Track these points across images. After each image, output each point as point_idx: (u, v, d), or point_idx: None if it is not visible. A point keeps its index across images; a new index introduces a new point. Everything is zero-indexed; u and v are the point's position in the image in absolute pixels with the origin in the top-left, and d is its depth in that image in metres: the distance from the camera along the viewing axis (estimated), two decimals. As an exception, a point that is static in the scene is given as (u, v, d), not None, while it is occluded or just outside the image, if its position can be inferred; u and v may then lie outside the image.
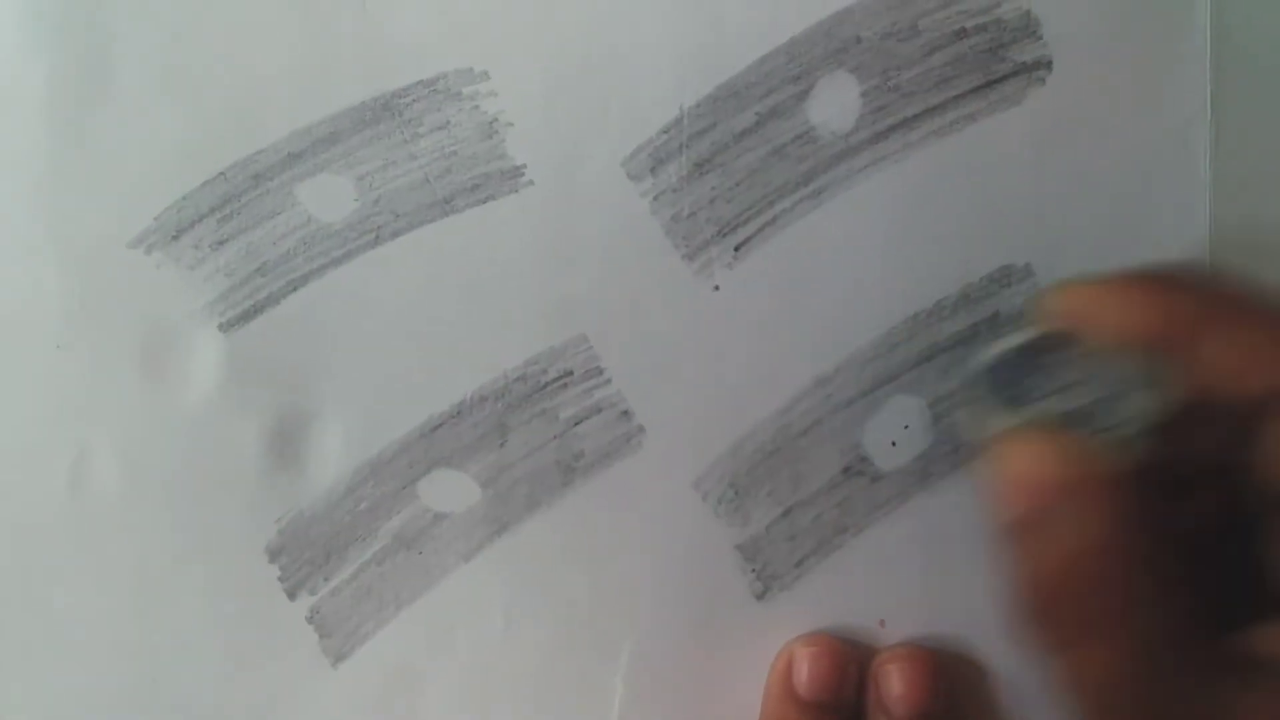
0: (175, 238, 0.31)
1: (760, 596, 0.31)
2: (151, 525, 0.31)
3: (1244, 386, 0.20)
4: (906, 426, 0.32)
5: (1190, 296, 0.21)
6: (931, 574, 0.32)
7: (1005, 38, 0.31)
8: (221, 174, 0.31)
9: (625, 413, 0.31)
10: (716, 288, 0.31)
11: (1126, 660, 0.19)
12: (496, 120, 0.31)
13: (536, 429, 0.31)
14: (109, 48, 0.30)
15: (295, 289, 0.31)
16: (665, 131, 0.31)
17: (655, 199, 0.31)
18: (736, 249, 0.31)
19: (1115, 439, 0.22)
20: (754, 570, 0.31)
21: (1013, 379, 0.23)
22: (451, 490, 0.31)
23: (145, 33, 0.30)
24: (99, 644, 0.31)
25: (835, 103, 0.31)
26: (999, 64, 0.31)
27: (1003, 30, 0.31)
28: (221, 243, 0.31)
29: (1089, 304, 0.22)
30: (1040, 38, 0.31)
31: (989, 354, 0.23)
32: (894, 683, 0.30)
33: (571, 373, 0.31)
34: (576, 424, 0.31)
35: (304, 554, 0.31)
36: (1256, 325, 0.20)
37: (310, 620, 0.31)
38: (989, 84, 0.31)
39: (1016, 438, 0.22)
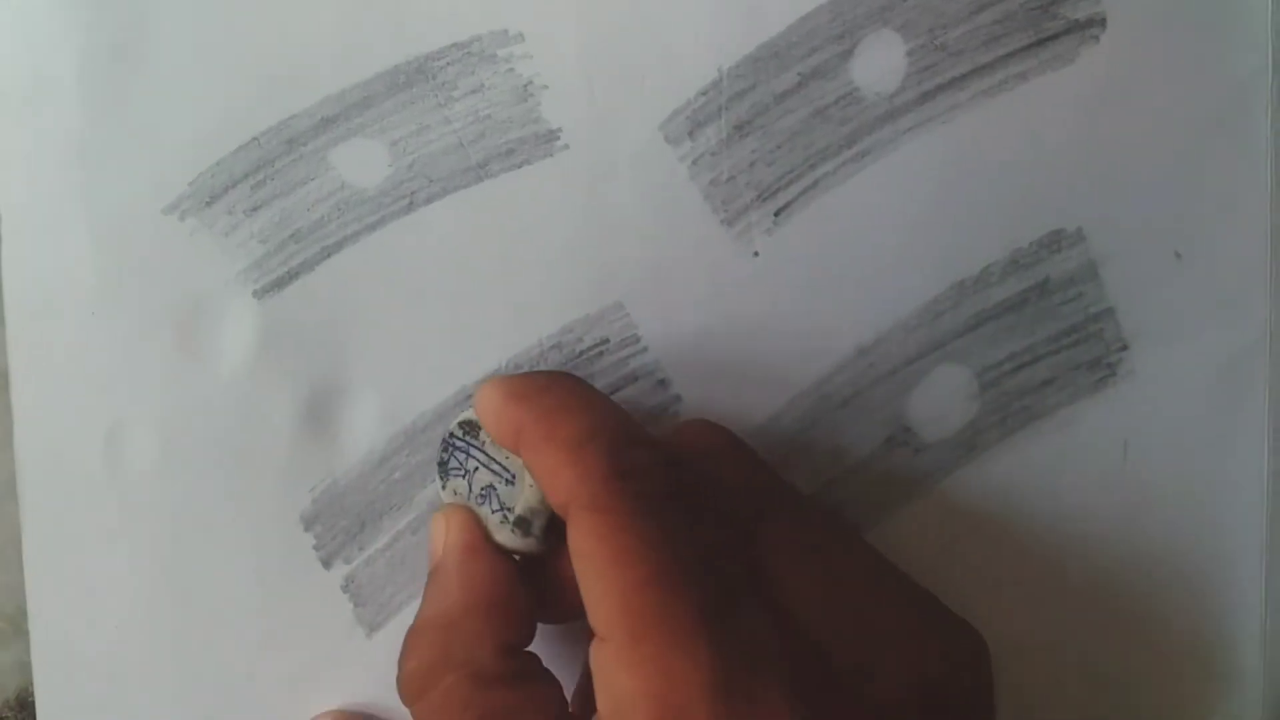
0: (209, 204, 0.30)
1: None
2: (186, 494, 0.31)
3: (552, 496, 0.24)
4: (952, 397, 0.31)
5: (525, 412, 0.25)
6: (975, 549, 0.31)
7: (1057, -7, 0.30)
8: (255, 139, 0.30)
9: (662, 381, 0.31)
10: (756, 254, 0.31)
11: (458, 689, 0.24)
12: (531, 83, 0.30)
13: (572, 398, 0.31)
14: (144, 13, 0.30)
15: (329, 255, 0.31)
16: (704, 94, 0.30)
17: (694, 163, 0.30)
18: (776, 214, 0.31)
19: (504, 517, 0.27)
20: (794, 543, 0.31)
21: (454, 450, 0.27)
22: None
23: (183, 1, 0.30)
24: (134, 614, 0.31)
25: (880, 62, 0.30)
26: (1051, 21, 0.30)
27: (1055, -14, 0.30)
28: (255, 209, 0.31)
29: (478, 403, 0.26)
30: (1094, -7, 0.30)
31: (450, 424, 0.28)
32: None
33: (608, 340, 0.31)
34: (613, 393, 0.31)
35: (339, 522, 0.31)
36: (558, 445, 0.24)
37: (345, 589, 0.31)
38: (1040, 42, 0.30)
39: (445, 504, 0.28)
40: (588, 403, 0.26)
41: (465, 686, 0.24)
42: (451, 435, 0.28)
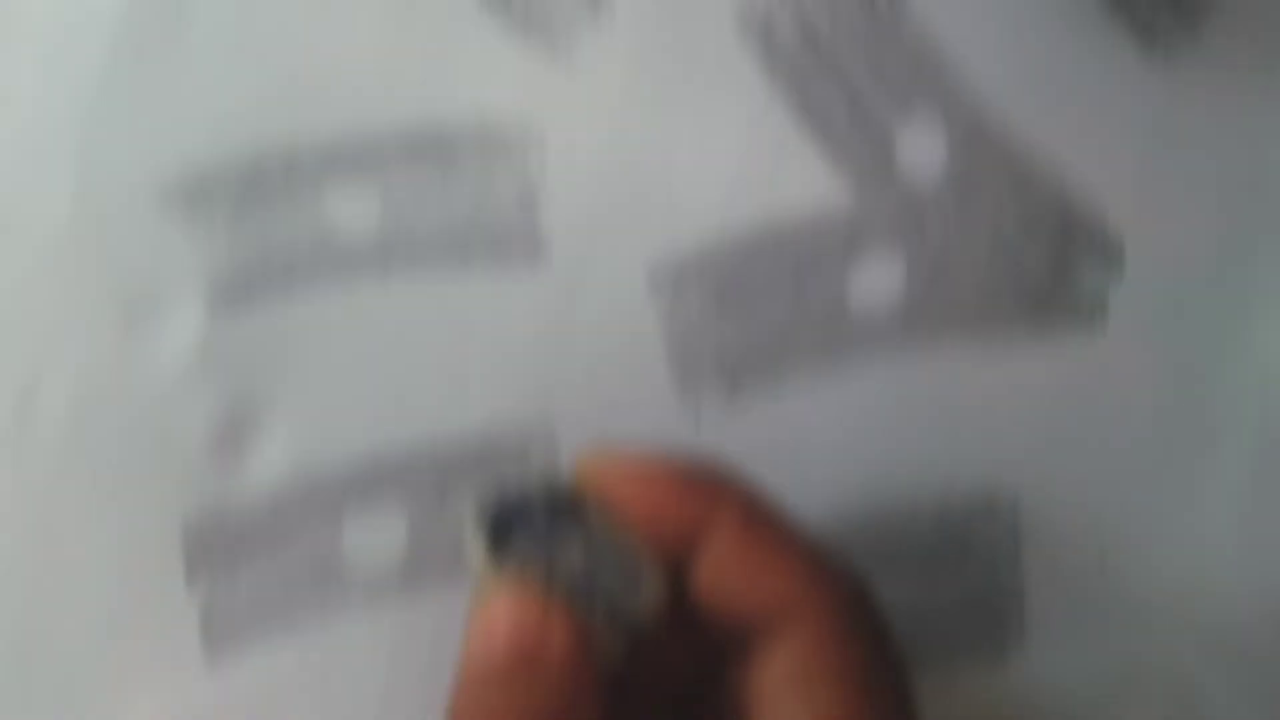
0: (194, 202, 0.30)
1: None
2: (78, 469, 0.31)
3: (761, 599, 0.20)
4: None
5: (703, 499, 0.21)
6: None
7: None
8: (259, 152, 0.30)
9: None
10: (698, 425, 0.31)
11: None
12: (538, 189, 0.30)
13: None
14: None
15: (290, 288, 0.30)
16: (699, 253, 0.30)
17: (668, 318, 0.30)
18: (730, 392, 0.30)
19: (608, 619, 0.21)
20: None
21: (515, 527, 0.21)
22: (379, 532, 0.31)
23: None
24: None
25: (879, 281, 0.30)
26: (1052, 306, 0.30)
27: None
28: (238, 221, 0.30)
29: (615, 479, 0.21)
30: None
31: (500, 495, 0.22)
32: None
33: (527, 454, 0.31)
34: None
35: (217, 543, 0.31)
36: (784, 545, 0.20)
37: (203, 613, 0.31)
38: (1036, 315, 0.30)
39: (506, 584, 0.21)
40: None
41: None
42: (534, 506, 0.22)
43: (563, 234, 0.30)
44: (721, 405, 0.30)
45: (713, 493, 0.21)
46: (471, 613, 0.21)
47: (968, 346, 0.30)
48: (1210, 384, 0.30)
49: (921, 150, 0.30)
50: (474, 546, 0.22)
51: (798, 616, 0.20)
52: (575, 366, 0.30)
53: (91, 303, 0.31)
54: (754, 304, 0.30)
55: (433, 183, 0.30)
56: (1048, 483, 0.30)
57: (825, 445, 0.30)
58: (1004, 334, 0.30)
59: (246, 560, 0.31)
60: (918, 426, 0.30)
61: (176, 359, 0.30)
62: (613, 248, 0.30)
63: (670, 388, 0.30)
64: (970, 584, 0.31)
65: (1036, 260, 0.30)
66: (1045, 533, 0.31)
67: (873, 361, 0.30)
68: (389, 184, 0.30)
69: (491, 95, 0.30)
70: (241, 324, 0.30)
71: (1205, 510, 0.31)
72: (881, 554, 0.30)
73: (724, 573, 0.21)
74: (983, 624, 0.31)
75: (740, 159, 0.30)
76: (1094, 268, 0.30)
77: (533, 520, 0.21)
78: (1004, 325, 0.30)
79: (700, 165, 0.30)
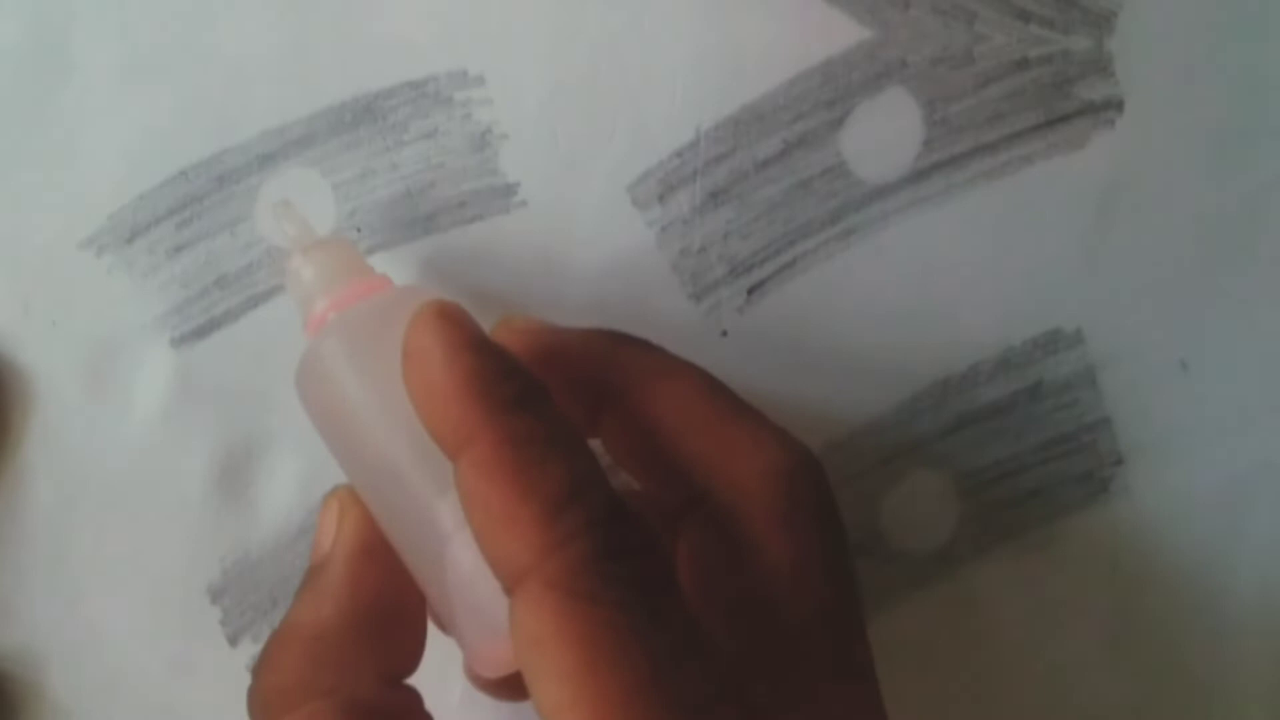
0: (129, 240, 0.28)
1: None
2: (84, 555, 0.28)
3: (498, 554, 0.19)
4: (927, 504, 0.28)
5: (486, 421, 0.19)
6: (945, 669, 0.29)
7: (1072, 72, 0.28)
8: (183, 173, 0.28)
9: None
10: (724, 333, 0.28)
11: None
12: (490, 131, 0.28)
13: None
14: (68, 27, 0.27)
15: (256, 305, 0.28)
16: (678, 155, 0.28)
17: (662, 230, 0.28)
18: (750, 292, 0.28)
19: None
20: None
21: None
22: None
23: (108, 12, 0.27)
24: (18, 680, 0.28)
25: (873, 134, 0.28)
26: (1063, 101, 0.28)
27: (1070, 64, 0.27)
28: (179, 249, 0.28)
29: (408, 345, 0.20)
30: (1112, 75, 0.28)
31: None
32: None
33: (557, 417, 0.28)
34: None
35: (249, 597, 0.28)
36: (529, 495, 0.19)
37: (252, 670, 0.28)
38: (1050, 123, 0.28)
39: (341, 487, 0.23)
40: (577, 440, 0.20)
41: (330, 718, 0.20)
42: None
43: (529, 172, 0.28)
44: (742, 306, 0.28)
45: (488, 403, 0.20)
46: None
47: (986, 178, 0.28)
48: (1247, 138, 0.28)
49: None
50: None
51: (529, 580, 0.18)
52: (583, 306, 0.28)
53: (49, 375, 0.28)
54: (747, 189, 0.28)
55: (375, 155, 0.28)
56: (1108, 301, 0.28)
57: (863, 319, 0.28)
58: (1021, 153, 0.28)
59: (286, 603, 0.28)
60: (952, 275, 0.28)
61: (154, 409, 0.28)
62: (586, 172, 0.28)
63: (685, 302, 0.28)
64: (1054, 423, 0.28)
65: (1036, 77, 0.28)
66: (1118, 353, 0.28)
67: (888, 216, 0.28)
68: (329, 168, 0.28)
69: (415, 44, 0.27)
70: (212, 355, 0.28)
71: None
72: (952, 423, 0.28)
73: (691, 421, 0.22)
74: (1078, 460, 0.28)
75: (698, 43, 0.27)
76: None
77: None
78: (1019, 144, 0.28)
79: (658, 62, 0.27)
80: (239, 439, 0.28)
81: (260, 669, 0.22)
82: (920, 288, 0.28)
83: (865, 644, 0.22)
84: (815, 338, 0.28)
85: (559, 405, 0.20)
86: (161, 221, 0.28)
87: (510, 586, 0.19)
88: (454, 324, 0.20)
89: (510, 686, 0.24)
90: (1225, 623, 0.29)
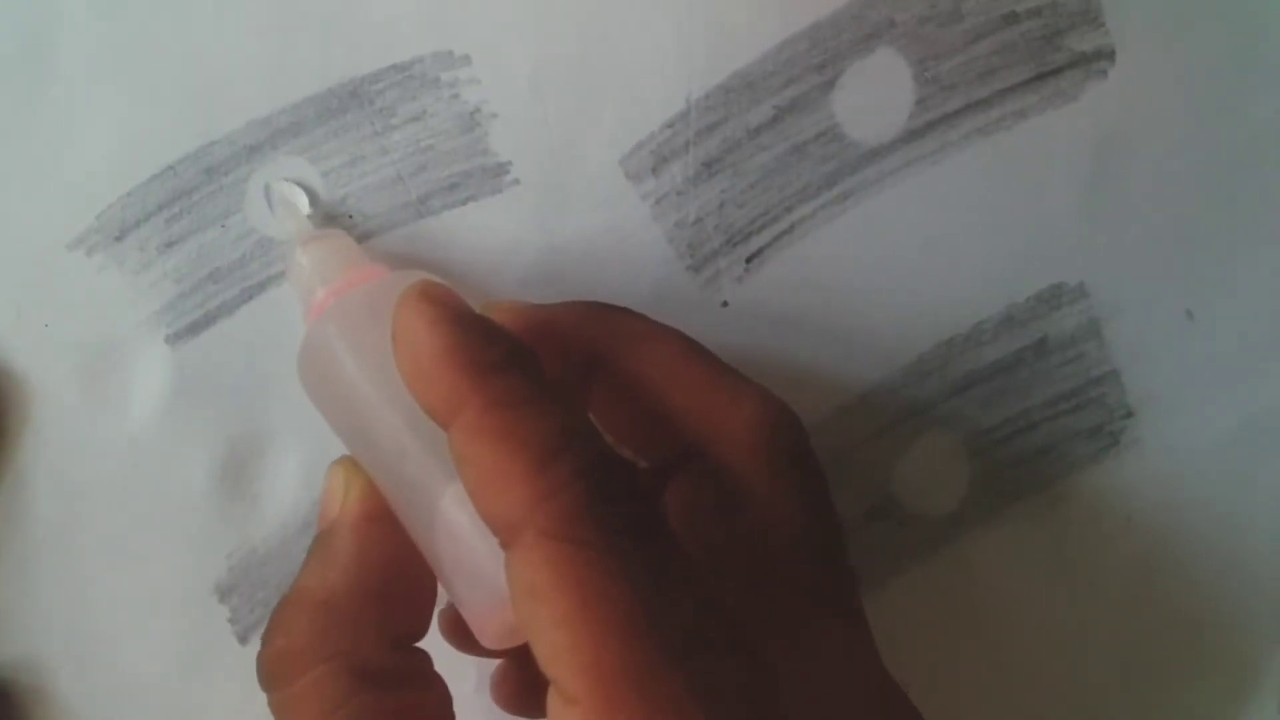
0: (119, 238, 0.27)
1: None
2: (88, 558, 0.28)
3: (492, 509, 0.19)
4: (939, 465, 0.28)
5: (472, 385, 0.20)
6: (963, 629, 0.28)
7: (1062, 24, 0.27)
8: (171, 168, 0.27)
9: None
10: (725, 304, 0.28)
11: None
12: (479, 111, 0.27)
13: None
14: (52, 27, 0.27)
15: (250, 298, 0.28)
16: (669, 126, 0.27)
17: (657, 202, 0.28)
18: (748, 261, 0.28)
19: None
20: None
21: None
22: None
23: (91, 10, 0.27)
24: (29, 687, 0.28)
25: (865, 95, 0.27)
26: (1054, 53, 0.27)
27: (1059, 15, 0.27)
28: (170, 245, 0.27)
29: (397, 329, 0.21)
30: (1102, 25, 0.27)
31: None
32: None
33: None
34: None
35: (257, 594, 0.28)
36: (519, 446, 0.19)
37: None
38: (1041, 76, 0.27)
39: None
40: (564, 395, 0.20)
41: (340, 680, 0.21)
42: None
43: (521, 150, 0.27)
44: (741, 275, 0.28)
45: (473, 369, 0.20)
46: None
47: (980, 134, 0.27)
48: (1242, 81, 0.28)
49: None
50: None
51: (525, 530, 0.18)
52: (580, 283, 0.27)
53: (45, 378, 0.27)
54: (741, 158, 0.27)
55: (363, 139, 0.27)
56: (1109, 254, 0.28)
57: (864, 283, 0.28)
58: (1014, 108, 0.27)
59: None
60: (951, 234, 0.28)
61: (152, 408, 0.27)
62: (577, 147, 0.27)
63: (684, 274, 0.28)
64: (1062, 378, 0.28)
65: (1026, 31, 0.27)
66: (1122, 305, 0.28)
67: (884, 178, 0.27)
68: (317, 156, 0.27)
69: (399, 26, 0.27)
70: (209, 351, 0.27)
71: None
72: (959, 383, 0.28)
73: (676, 380, 0.23)
74: (1089, 416, 0.28)
75: (685, 11, 0.27)
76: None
77: None
78: (1012, 98, 0.27)
79: (646, 33, 0.27)
80: (239, 434, 0.28)
81: (269, 634, 0.22)
82: (920, 248, 0.28)
83: (852, 577, 0.23)
84: (816, 304, 0.28)
85: (549, 374, 0.20)
86: (151, 218, 0.27)
87: (506, 541, 0.19)
88: (436, 302, 0.20)
89: (529, 701, 0.24)
90: (1241, 570, 0.28)
